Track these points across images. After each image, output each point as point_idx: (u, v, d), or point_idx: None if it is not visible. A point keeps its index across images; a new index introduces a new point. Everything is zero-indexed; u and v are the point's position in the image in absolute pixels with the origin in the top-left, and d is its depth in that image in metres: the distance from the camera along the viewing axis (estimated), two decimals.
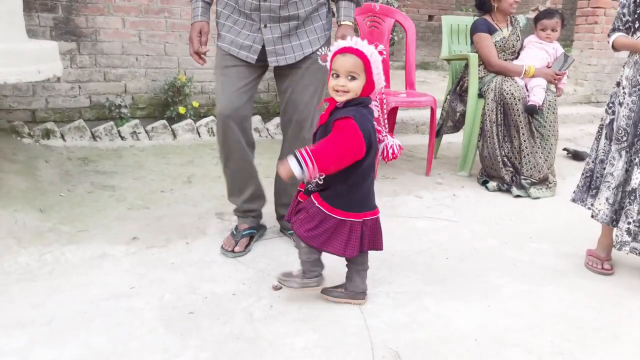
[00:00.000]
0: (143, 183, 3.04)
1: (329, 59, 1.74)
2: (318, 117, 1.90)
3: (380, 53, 1.73)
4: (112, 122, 3.72)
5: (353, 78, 1.68)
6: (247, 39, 2.13)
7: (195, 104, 4.12)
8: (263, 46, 2.12)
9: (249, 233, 2.34)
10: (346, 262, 1.94)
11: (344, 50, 1.68)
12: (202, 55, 2.20)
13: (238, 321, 1.76)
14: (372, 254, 1.92)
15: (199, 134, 3.99)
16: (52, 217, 2.46)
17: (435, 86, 6.24)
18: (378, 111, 1.88)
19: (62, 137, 3.53)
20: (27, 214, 2.39)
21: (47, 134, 3.48)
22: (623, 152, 2.15)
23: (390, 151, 1.85)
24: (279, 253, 2.29)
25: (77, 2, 3.73)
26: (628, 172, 2.15)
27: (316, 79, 2.20)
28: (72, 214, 2.54)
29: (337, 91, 1.70)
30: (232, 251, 2.25)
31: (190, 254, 2.26)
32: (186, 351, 1.59)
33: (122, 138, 3.71)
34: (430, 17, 8.94)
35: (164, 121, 3.91)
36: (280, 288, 1.99)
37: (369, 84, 1.71)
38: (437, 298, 1.95)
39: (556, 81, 3.46)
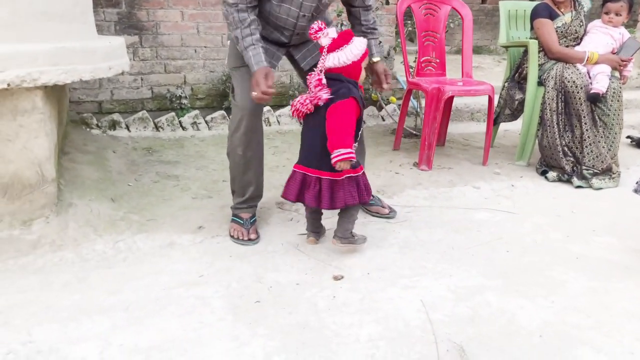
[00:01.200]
0: (205, 173, 3.14)
1: (361, 54, 2.13)
2: None
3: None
4: (173, 113, 3.85)
5: None
6: (270, 46, 2.31)
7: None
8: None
9: (255, 220, 2.45)
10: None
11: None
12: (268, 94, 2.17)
13: (303, 311, 1.82)
14: (431, 246, 1.94)
15: (269, 122, 4.07)
16: (123, 206, 2.59)
17: (489, 71, 6.11)
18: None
19: (127, 127, 3.68)
20: (101, 203, 2.52)
21: (114, 125, 3.64)
22: None
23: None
24: None
25: None
26: None
27: None
28: (140, 203, 2.67)
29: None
30: (249, 239, 2.33)
31: (254, 244, 2.33)
32: (255, 340, 1.66)
33: (183, 128, 3.83)
34: (484, 0, 8.70)
35: (222, 111, 4.01)
36: (342, 278, 2.04)
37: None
38: (500, 292, 1.95)
39: (622, 68, 3.33)
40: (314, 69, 2.25)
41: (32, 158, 2.19)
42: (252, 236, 2.35)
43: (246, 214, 2.44)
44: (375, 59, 2.47)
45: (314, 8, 2.25)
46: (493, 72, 5.97)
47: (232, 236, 2.36)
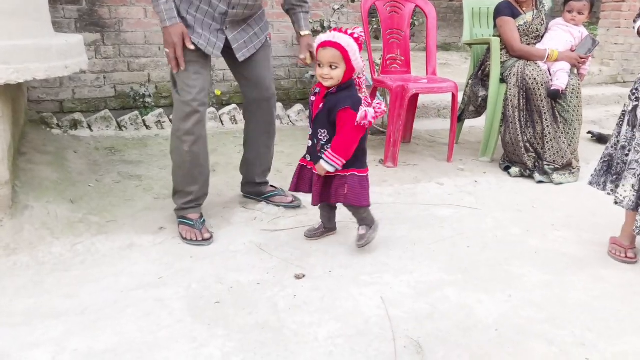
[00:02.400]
0: (168, 172, 3.08)
1: (314, 50, 2.10)
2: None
3: (357, 40, 2.04)
4: (137, 112, 3.79)
5: (335, 67, 2.02)
6: (211, 36, 2.29)
7: (218, 92, 4.17)
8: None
9: (204, 220, 2.41)
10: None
11: (324, 45, 2.02)
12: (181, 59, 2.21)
13: (263, 311, 1.81)
14: (393, 243, 1.95)
15: (221, 122, 4.04)
16: (82, 208, 2.53)
17: (457, 68, 6.17)
18: (365, 92, 2.19)
19: (89, 127, 3.61)
20: (59, 205, 2.46)
21: (75, 125, 3.56)
22: None
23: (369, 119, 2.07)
24: (301, 242, 2.34)
25: None
26: None
27: (270, 58, 2.59)
28: (100, 204, 2.62)
29: (323, 78, 2.05)
30: (204, 239, 2.30)
31: (216, 244, 2.31)
32: (214, 341, 1.65)
33: (147, 127, 3.78)
34: None
35: None
36: (304, 277, 2.04)
37: (349, 69, 2.05)
38: (459, 288, 1.98)
39: (580, 65, 3.40)
40: (250, 62, 2.42)
41: None
42: (206, 235, 2.32)
43: (194, 214, 2.40)
44: (303, 33, 2.51)
45: None
46: (460, 69, 6.04)
47: (185, 238, 2.31)
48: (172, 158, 2.42)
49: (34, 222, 2.29)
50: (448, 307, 1.84)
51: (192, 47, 2.21)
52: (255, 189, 2.73)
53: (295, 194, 2.75)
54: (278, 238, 2.37)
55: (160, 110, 3.87)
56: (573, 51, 3.42)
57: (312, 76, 4.40)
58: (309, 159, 2.23)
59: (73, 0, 3.71)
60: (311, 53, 2.46)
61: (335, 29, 2.07)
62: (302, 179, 2.27)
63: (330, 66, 2.02)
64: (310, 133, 2.20)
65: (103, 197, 2.70)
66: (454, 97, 3.49)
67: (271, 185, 2.76)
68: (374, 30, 4.02)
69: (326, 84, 2.07)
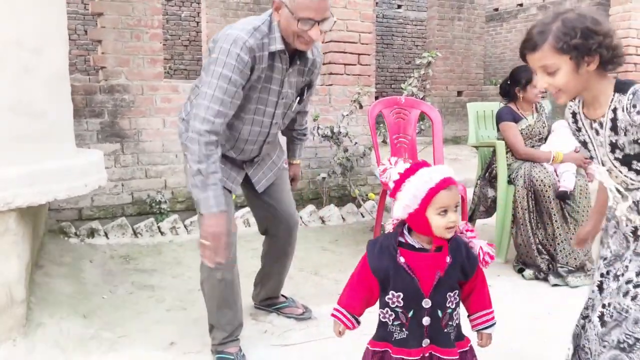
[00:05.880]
0: (181, 281, 3.13)
1: (423, 192, 1.50)
2: None
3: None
4: (152, 218, 3.89)
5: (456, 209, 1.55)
6: (232, 171, 2.27)
7: (233, 196, 4.27)
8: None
9: (244, 355, 2.25)
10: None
11: (448, 183, 1.51)
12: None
13: None
14: None
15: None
16: (95, 323, 2.55)
17: (467, 163, 6.29)
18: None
19: (106, 235, 3.70)
20: (72, 321, 2.48)
21: (92, 233, 3.66)
22: None
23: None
24: (312, 357, 2.31)
25: (122, 107, 4.01)
26: None
27: (288, 182, 2.59)
28: (113, 318, 2.63)
29: (449, 228, 1.52)
30: None
31: None
32: None
33: (162, 233, 3.86)
34: (460, 93, 9.13)
35: None
36: None
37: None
38: None
39: (586, 165, 3.46)
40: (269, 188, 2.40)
41: (2, 281, 2.19)
42: None
43: (234, 347, 2.25)
44: (294, 162, 2.66)
45: (283, 115, 2.28)
46: (470, 164, 6.15)
47: None
48: (204, 289, 2.24)
49: (46, 340, 2.30)
50: None
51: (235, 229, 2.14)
52: (267, 300, 2.73)
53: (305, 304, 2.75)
54: (288, 354, 2.34)
55: (175, 216, 3.97)
56: (577, 152, 3.49)
57: (324, 178, 4.50)
58: (425, 345, 1.55)
59: (96, 114, 3.93)
60: (293, 180, 2.67)
61: (421, 163, 1.60)
62: None
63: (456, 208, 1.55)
64: (418, 309, 1.54)
65: (116, 310, 2.72)
66: (463, 199, 3.53)
67: (282, 295, 2.76)
68: (382, 134, 4.17)
69: (450, 235, 1.54)
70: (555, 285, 3.16)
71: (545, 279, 3.23)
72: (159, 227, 3.86)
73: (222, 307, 2.23)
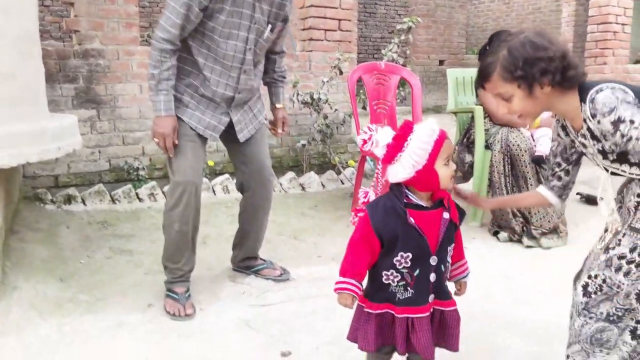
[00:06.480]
0: (159, 246, 3.09)
1: (431, 145, 1.49)
2: None
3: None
4: (130, 185, 3.86)
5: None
6: (212, 119, 2.37)
7: (211, 162, 4.26)
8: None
9: (189, 295, 2.43)
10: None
11: (447, 134, 1.55)
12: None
13: None
14: None
15: (214, 192, 4.10)
16: (72, 286, 2.55)
17: (447, 132, 6.31)
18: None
19: (83, 201, 3.67)
20: (48, 284, 2.48)
21: (69, 200, 3.62)
22: None
23: None
24: (289, 317, 2.34)
25: (97, 72, 3.93)
26: None
27: (266, 135, 2.66)
28: (90, 281, 2.63)
29: (452, 177, 1.55)
30: (186, 315, 2.32)
31: (204, 320, 2.32)
32: None
33: (140, 200, 3.83)
34: (441, 62, 9.12)
35: None
36: (290, 354, 2.03)
37: None
38: None
39: None
40: (249, 142, 2.44)
41: None
42: (189, 311, 2.33)
43: (181, 287, 2.42)
44: (278, 105, 2.67)
45: (256, 42, 2.34)
46: (450, 133, 6.13)
47: (168, 312, 2.34)
48: (164, 234, 2.47)
49: (22, 303, 2.30)
50: None
51: (177, 142, 2.28)
52: (245, 262, 2.75)
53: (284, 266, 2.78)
54: (266, 314, 2.37)
55: (154, 183, 3.94)
56: (554, 117, 3.52)
57: (304, 145, 4.50)
58: (431, 300, 1.59)
59: (71, 79, 3.86)
60: (284, 124, 2.66)
61: (410, 122, 1.57)
62: (382, 330, 1.60)
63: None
64: (425, 267, 1.55)
65: (93, 274, 2.71)
66: None
67: (260, 258, 2.78)
68: (362, 101, 4.16)
69: (451, 186, 1.59)
70: (529, 246, 3.23)
71: (520, 241, 3.30)
72: (137, 194, 3.83)
73: (176, 254, 2.44)
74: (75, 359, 2.01)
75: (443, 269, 1.58)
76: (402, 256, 1.53)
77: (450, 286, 1.70)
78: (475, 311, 2.39)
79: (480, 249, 3.19)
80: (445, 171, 1.52)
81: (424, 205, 1.55)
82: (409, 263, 1.53)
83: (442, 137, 1.52)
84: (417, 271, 1.54)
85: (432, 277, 1.56)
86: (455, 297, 1.68)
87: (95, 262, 2.86)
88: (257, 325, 2.26)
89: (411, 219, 1.51)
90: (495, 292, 2.58)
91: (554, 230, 3.30)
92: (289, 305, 2.44)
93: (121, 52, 4.01)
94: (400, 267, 1.54)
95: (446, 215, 1.55)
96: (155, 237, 3.24)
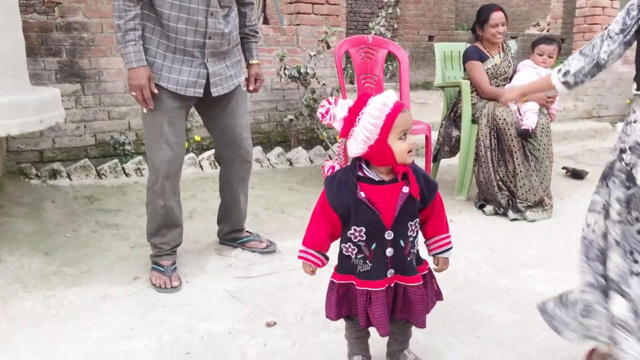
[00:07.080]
0: (145, 220, 3.11)
1: (382, 119, 1.46)
2: None
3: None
4: (116, 160, 3.83)
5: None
6: (190, 76, 2.31)
7: (197, 137, 4.23)
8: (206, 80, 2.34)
9: (175, 268, 2.44)
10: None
11: (402, 106, 1.49)
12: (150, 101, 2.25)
13: None
14: None
15: (201, 167, 4.09)
16: (57, 260, 2.54)
17: (435, 107, 6.30)
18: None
19: (69, 176, 3.64)
20: (33, 257, 2.47)
21: (54, 174, 3.59)
22: None
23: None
24: (275, 288, 2.35)
25: (80, 46, 3.86)
26: None
27: (245, 105, 2.59)
28: (76, 255, 2.62)
29: (410, 152, 1.51)
30: (172, 287, 2.33)
31: (189, 292, 2.33)
32: None
33: (127, 175, 3.81)
34: (431, 38, 9.05)
35: None
36: (275, 324, 2.05)
37: None
38: (429, 330, 1.97)
39: (549, 105, 3.51)
40: (225, 109, 2.39)
41: None
42: (175, 283, 2.34)
43: (167, 261, 2.43)
44: (252, 61, 2.60)
45: None
46: (438, 108, 6.15)
47: (154, 284, 2.35)
48: (147, 211, 2.47)
49: (6, 276, 2.29)
50: (416, 351, 1.85)
51: (155, 91, 2.23)
52: (231, 235, 2.75)
53: (270, 239, 2.79)
54: (252, 285, 2.38)
55: (140, 157, 3.91)
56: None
57: (291, 120, 4.48)
58: (390, 275, 1.57)
59: (54, 52, 3.79)
60: (257, 81, 2.60)
61: (367, 94, 1.54)
62: (348, 301, 1.63)
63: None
64: (381, 241, 1.54)
65: (79, 248, 2.71)
66: (427, 138, 3.57)
67: (247, 231, 2.79)
68: (349, 75, 4.13)
69: (411, 159, 1.54)
70: (514, 219, 3.26)
71: (505, 214, 3.33)
72: (123, 169, 3.80)
73: (161, 229, 2.45)
74: (60, 331, 2.01)
75: (402, 243, 1.55)
76: (355, 229, 1.53)
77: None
78: (459, 281, 2.42)
79: (466, 222, 3.22)
80: (400, 145, 1.48)
81: (380, 179, 1.53)
82: (364, 237, 1.53)
83: (395, 111, 1.47)
84: (374, 245, 1.54)
85: (390, 251, 1.54)
86: (430, 265, 1.69)
87: (81, 236, 2.85)
88: (243, 297, 2.28)
89: (362, 193, 1.50)
90: (480, 264, 2.61)
91: (540, 204, 3.33)
92: (275, 277, 2.45)
93: (105, 26, 3.93)
94: (356, 241, 1.54)
95: (405, 189, 1.51)
96: (141, 212, 3.22)
